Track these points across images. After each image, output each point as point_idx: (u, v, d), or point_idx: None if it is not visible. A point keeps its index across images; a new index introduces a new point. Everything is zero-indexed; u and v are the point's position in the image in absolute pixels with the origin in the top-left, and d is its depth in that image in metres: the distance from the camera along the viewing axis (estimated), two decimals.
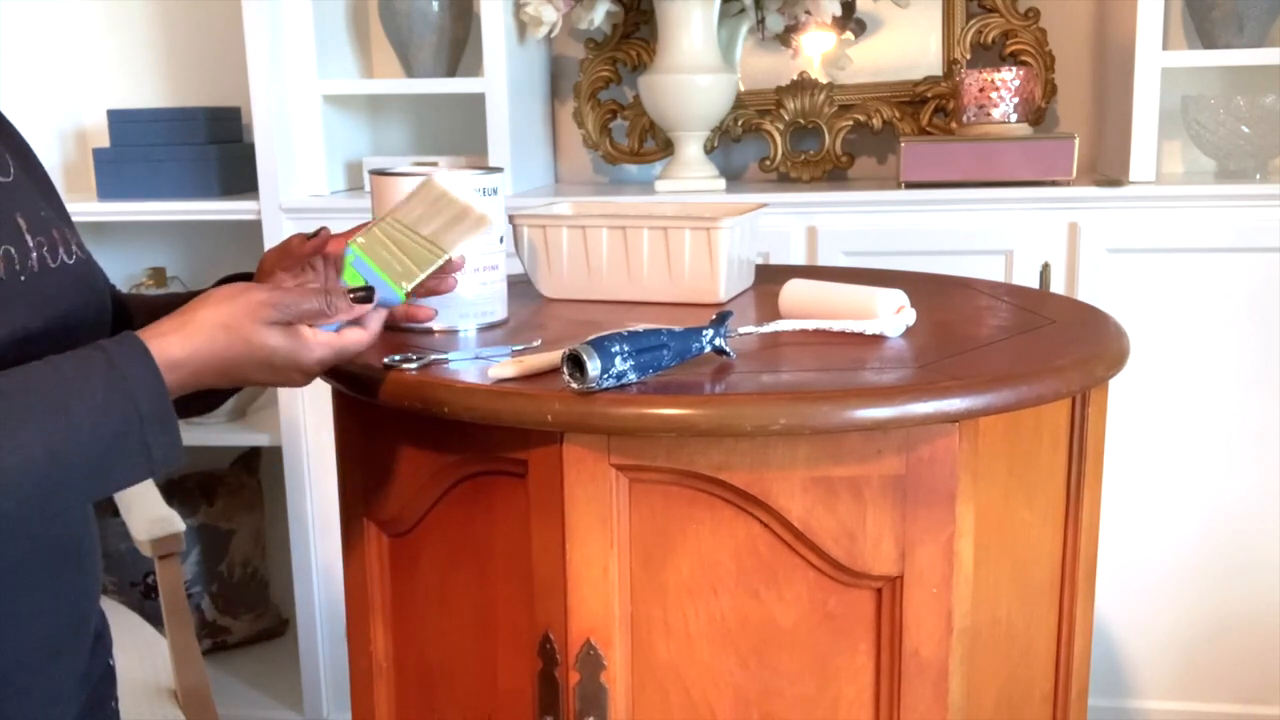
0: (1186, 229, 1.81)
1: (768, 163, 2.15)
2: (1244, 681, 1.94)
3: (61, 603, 0.97)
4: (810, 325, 1.02)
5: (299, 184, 2.10)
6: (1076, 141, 1.85)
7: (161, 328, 0.86)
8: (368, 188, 2.14)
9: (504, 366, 0.90)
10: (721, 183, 2.03)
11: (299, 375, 0.92)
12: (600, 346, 0.84)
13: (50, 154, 2.35)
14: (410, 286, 0.96)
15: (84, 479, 0.81)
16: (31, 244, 0.92)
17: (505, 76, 1.99)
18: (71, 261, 0.96)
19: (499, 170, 1.10)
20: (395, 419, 1.00)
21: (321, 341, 0.91)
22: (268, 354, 0.88)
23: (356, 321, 0.94)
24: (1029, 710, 1.04)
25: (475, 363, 0.96)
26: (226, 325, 0.87)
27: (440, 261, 0.96)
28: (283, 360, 0.89)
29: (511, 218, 1.21)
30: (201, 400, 1.04)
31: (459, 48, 2.17)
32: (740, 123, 2.16)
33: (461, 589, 1.00)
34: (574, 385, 0.84)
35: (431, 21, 2.10)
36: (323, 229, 1.01)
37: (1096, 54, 2.10)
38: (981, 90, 1.94)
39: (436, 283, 1.03)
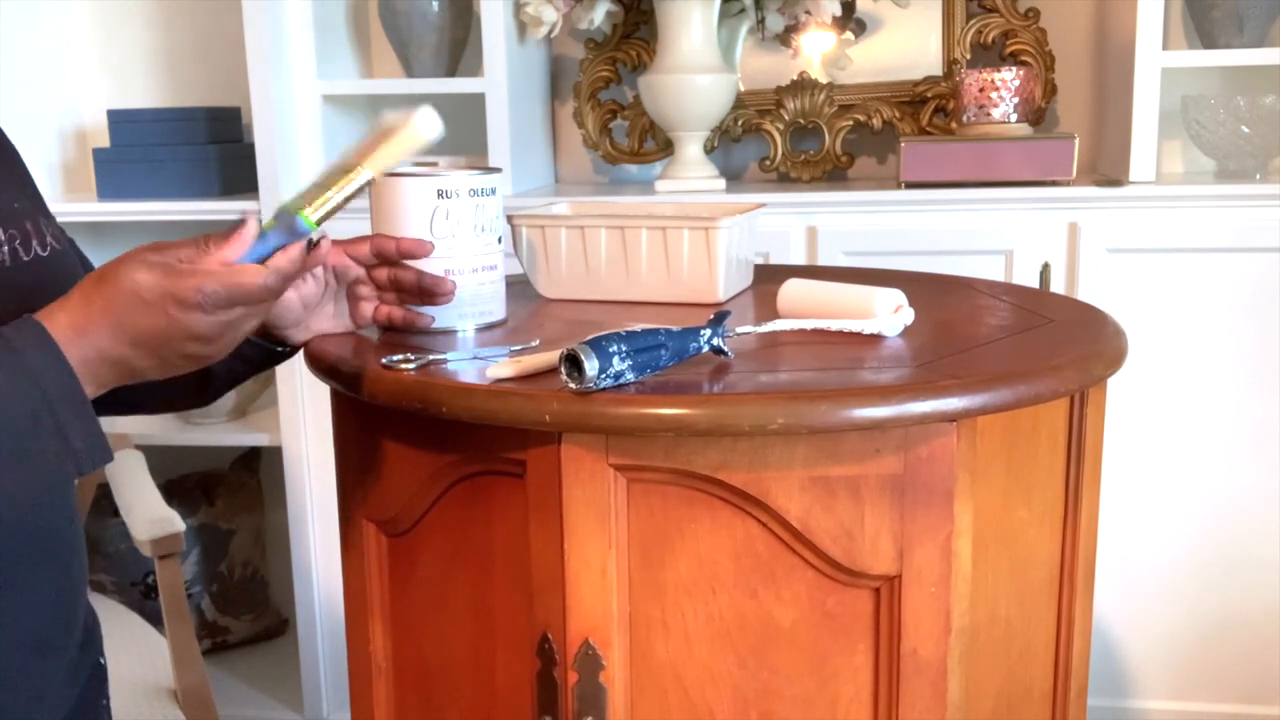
0: (1186, 229, 1.81)
1: (768, 163, 2.15)
2: (1244, 681, 1.94)
3: (47, 599, 0.97)
4: (808, 325, 1.02)
5: (299, 184, 2.10)
6: (1076, 141, 1.85)
7: (53, 305, 0.82)
8: None
9: (502, 366, 0.90)
10: (721, 183, 2.03)
11: (178, 309, 0.81)
12: (598, 346, 0.84)
13: (50, 154, 2.35)
14: (318, 211, 0.89)
15: (6, 471, 0.77)
16: (3, 237, 0.91)
17: (505, 76, 1.99)
18: (45, 254, 0.95)
19: (497, 170, 1.10)
20: (393, 419, 1.00)
21: (203, 271, 0.82)
22: (139, 290, 0.80)
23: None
24: (1028, 709, 1.03)
25: (473, 363, 0.95)
26: (101, 275, 0.82)
27: (356, 180, 0.90)
28: (155, 294, 0.81)
29: (510, 218, 1.21)
30: (181, 393, 1.03)
31: (459, 48, 2.17)
32: (740, 123, 2.16)
33: (460, 589, 1.00)
34: (572, 385, 0.84)
35: (431, 21, 2.10)
36: (323, 238, 0.99)
37: (1096, 54, 2.10)
38: (981, 90, 1.94)
39: (432, 295, 1.02)
